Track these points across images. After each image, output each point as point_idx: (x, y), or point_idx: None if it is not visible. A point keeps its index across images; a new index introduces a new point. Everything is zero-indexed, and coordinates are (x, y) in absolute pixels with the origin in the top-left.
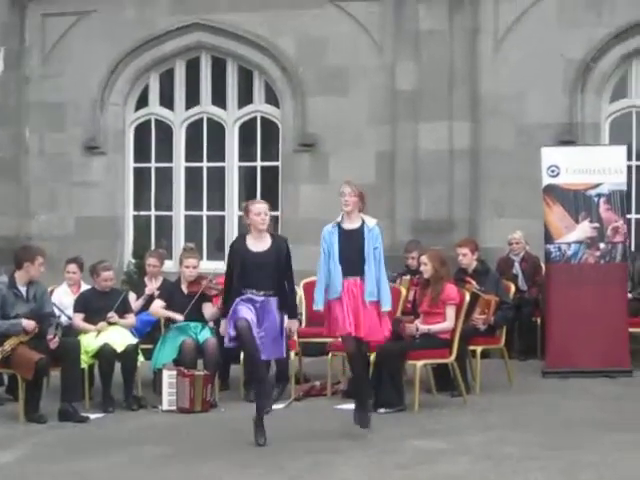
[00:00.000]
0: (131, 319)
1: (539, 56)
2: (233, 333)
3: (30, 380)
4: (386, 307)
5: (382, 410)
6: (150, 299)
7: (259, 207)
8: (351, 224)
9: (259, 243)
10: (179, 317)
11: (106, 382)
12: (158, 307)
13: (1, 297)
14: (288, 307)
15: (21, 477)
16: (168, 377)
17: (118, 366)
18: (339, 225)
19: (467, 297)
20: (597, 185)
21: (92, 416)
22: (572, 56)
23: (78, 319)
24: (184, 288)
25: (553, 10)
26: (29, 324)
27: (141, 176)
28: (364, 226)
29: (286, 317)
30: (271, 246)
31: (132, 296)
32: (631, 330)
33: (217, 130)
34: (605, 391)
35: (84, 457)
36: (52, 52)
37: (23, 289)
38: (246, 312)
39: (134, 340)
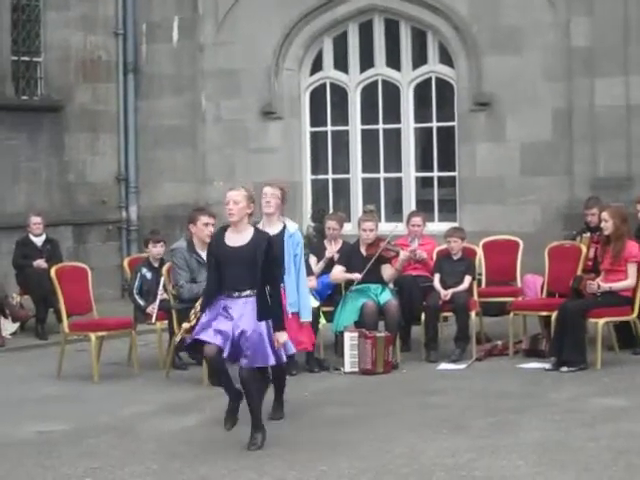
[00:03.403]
0: (312, 281)
1: None
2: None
3: None
4: (305, 318)
5: (564, 369)
6: (331, 262)
7: (229, 195)
8: (271, 229)
9: (237, 237)
10: (357, 276)
11: None
12: (338, 273)
13: (185, 261)
14: (271, 316)
15: (206, 439)
16: (350, 339)
17: None
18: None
19: None
20: None
21: None
22: None
23: None
24: (363, 250)
25: None
26: None
27: (317, 140)
28: (284, 231)
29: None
30: (250, 241)
31: (312, 259)
32: None
33: (392, 92)
34: None
35: (266, 419)
36: (225, 20)
37: (203, 254)
38: (222, 324)
39: (315, 303)
